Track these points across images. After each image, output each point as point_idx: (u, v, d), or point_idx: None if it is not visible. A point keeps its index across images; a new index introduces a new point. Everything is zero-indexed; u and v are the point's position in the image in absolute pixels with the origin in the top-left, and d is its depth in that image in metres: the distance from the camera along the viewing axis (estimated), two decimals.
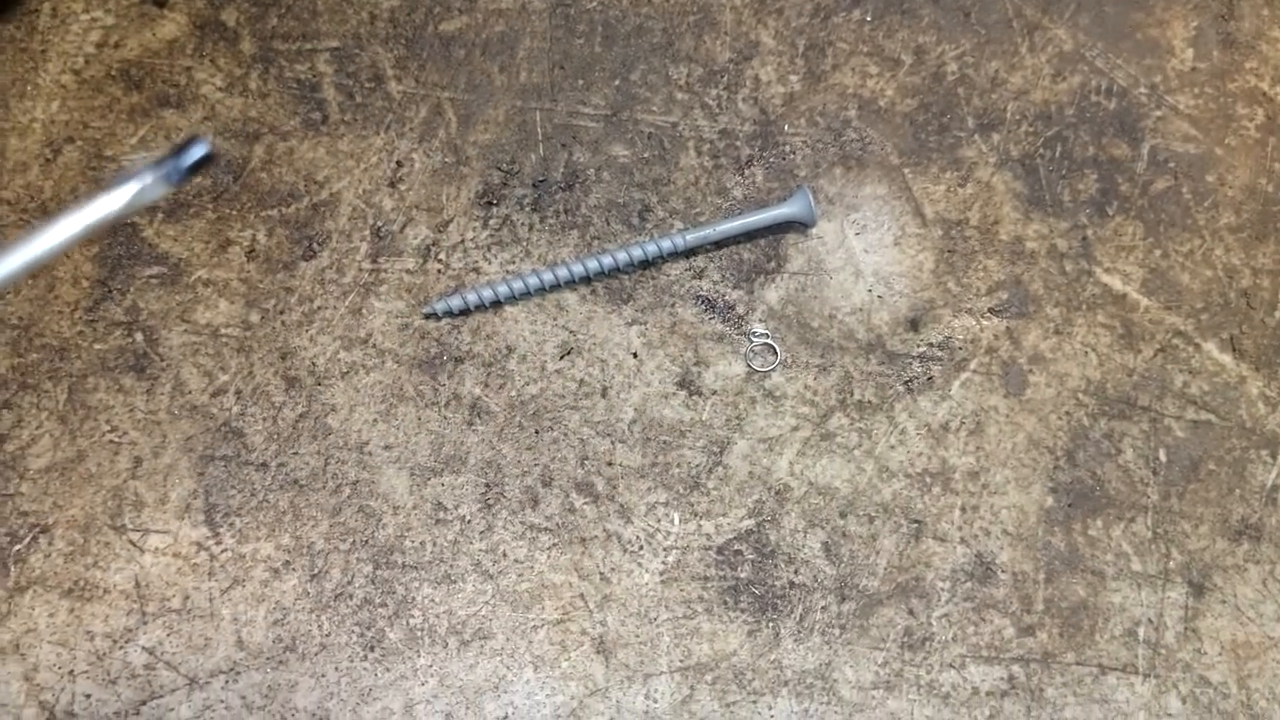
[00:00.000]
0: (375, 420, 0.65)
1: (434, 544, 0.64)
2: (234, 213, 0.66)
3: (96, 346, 0.65)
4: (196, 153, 0.38)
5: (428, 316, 0.67)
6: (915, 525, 0.65)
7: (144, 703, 0.61)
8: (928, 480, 0.66)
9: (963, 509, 0.65)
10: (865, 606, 0.64)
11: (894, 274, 0.67)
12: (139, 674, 0.61)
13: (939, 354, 0.67)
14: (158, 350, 0.65)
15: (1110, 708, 0.62)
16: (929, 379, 0.67)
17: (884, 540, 0.65)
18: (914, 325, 0.68)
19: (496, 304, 0.67)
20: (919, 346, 0.68)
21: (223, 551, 0.63)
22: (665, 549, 0.64)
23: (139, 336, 0.65)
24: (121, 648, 0.62)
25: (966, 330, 0.68)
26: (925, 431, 0.66)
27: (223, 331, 0.65)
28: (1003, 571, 0.65)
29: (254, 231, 0.66)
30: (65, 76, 0.67)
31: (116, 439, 0.64)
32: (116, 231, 0.66)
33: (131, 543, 0.63)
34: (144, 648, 0.62)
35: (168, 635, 0.62)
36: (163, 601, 0.63)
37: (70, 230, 0.38)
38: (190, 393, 0.64)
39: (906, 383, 0.67)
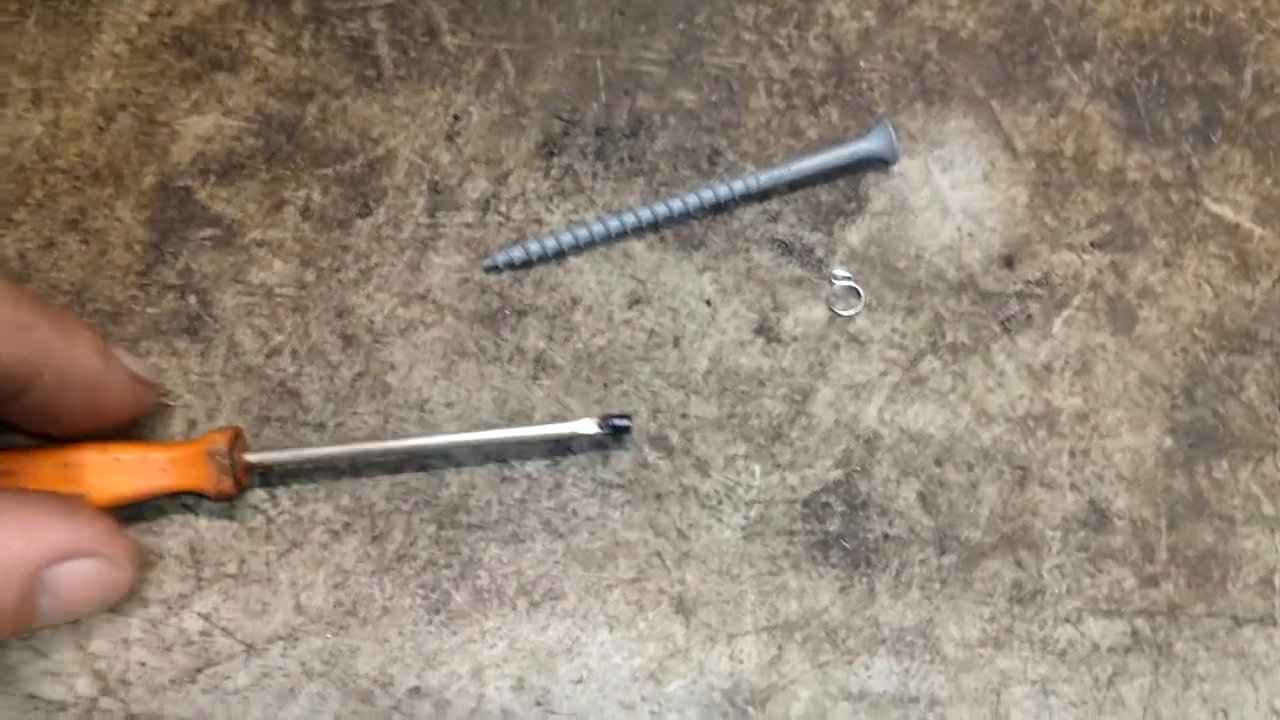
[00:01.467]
0: (436, 377, 0.83)
1: (500, 503, 0.81)
2: (288, 172, 0.87)
3: (149, 310, 0.84)
4: (623, 422, 0.78)
5: (488, 270, 0.86)
6: (1019, 472, 0.81)
7: (200, 670, 0.78)
8: (1031, 424, 0.81)
9: (1071, 453, 0.81)
10: (968, 559, 0.79)
11: (984, 210, 0.85)
12: (194, 640, 0.78)
13: (1038, 291, 0.84)
14: (211, 312, 0.85)
15: (1248, 662, 0.77)
16: (1028, 317, 0.84)
17: (985, 488, 0.80)
18: (1009, 262, 0.85)
19: (560, 254, 0.86)
20: (1015, 284, 0.85)
21: (280, 514, 0.81)
22: (746, 503, 0.80)
23: (192, 299, 0.85)
24: (176, 614, 0.79)
25: (1067, 265, 0.85)
26: (1026, 373, 0.83)
27: (277, 291, 0.85)
28: (1119, 519, 0.80)
29: (308, 190, 0.87)
30: (119, 46, 0.91)
31: (170, 402, 0.82)
32: (169, 195, 0.87)
33: (186, 506, 0.81)
34: (199, 614, 0.79)
35: (224, 601, 0.79)
36: (218, 567, 0.80)
37: (529, 435, 0.79)
38: (245, 354, 0.84)
39: (1003, 322, 0.84)
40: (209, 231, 0.86)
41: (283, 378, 0.82)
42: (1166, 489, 0.81)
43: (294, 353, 0.84)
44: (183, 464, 0.76)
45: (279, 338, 0.83)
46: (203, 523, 0.80)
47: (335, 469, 0.81)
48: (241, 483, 0.77)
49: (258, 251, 0.85)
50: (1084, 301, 0.84)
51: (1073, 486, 0.80)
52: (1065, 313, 0.84)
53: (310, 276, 0.85)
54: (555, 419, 0.81)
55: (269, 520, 0.80)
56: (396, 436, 0.81)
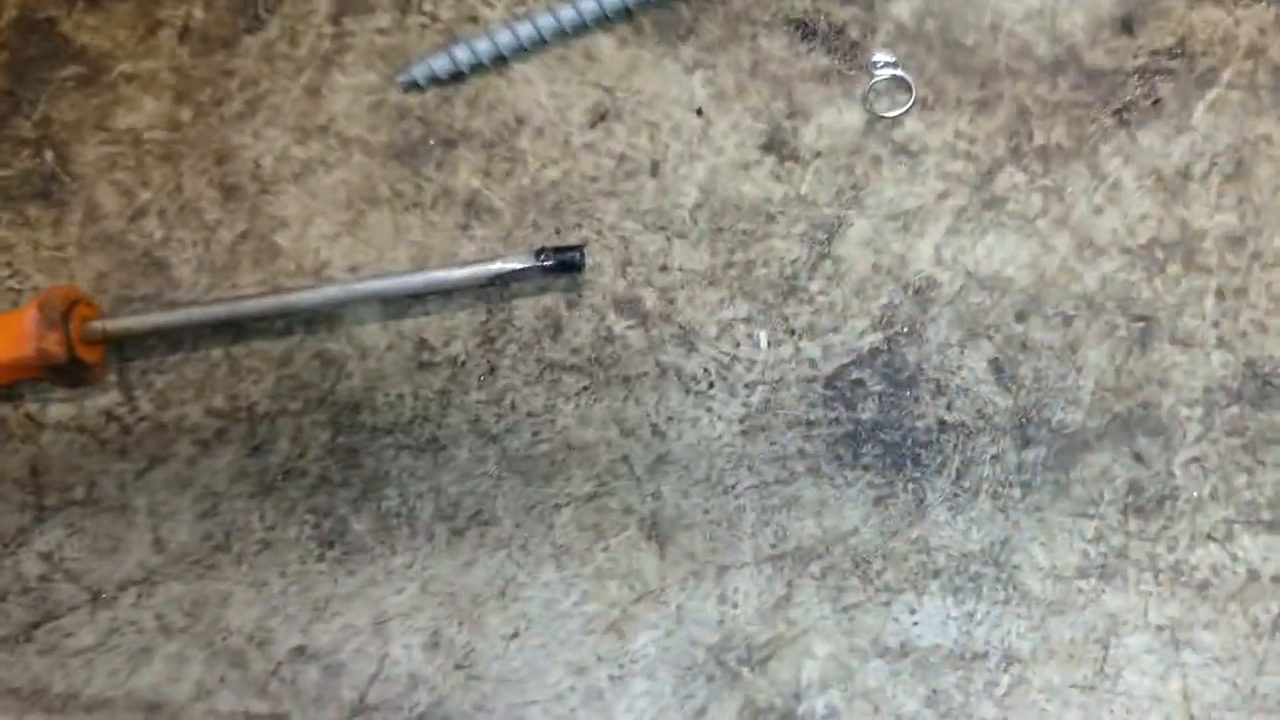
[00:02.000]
0: (338, 234, 0.73)
1: (415, 397, 0.70)
2: None
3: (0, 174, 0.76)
4: (568, 260, 0.68)
5: (407, 87, 0.74)
6: (1141, 324, 0.66)
7: (36, 625, 0.70)
8: (1159, 255, 0.67)
9: (1219, 294, 0.66)
10: (1063, 453, 0.65)
11: None
12: (32, 588, 0.71)
13: (1169, 64, 0.69)
14: (69, 169, 0.76)
15: None
16: (1155, 102, 0.69)
17: (1090, 351, 0.66)
18: (1126, 26, 0.70)
19: (500, 61, 0.73)
20: (1137, 56, 0.69)
21: (139, 422, 0.72)
22: (747, 385, 0.68)
23: (49, 155, 0.76)
24: (12, 554, 0.71)
25: (1212, 25, 0.69)
26: (1153, 181, 0.68)
27: (146, 137, 0.76)
28: None
29: (189, 6, 0.77)
30: None
31: (17, 285, 0.75)
32: (30, 30, 0.78)
33: (28, 416, 0.73)
34: (40, 553, 0.71)
35: (69, 536, 0.71)
36: (63, 492, 0.72)
37: (443, 279, 0.69)
38: (105, 218, 0.75)
39: (1118, 111, 0.69)
40: (72, 69, 0.78)
41: (148, 245, 0.74)
42: None
43: (162, 213, 0.75)
44: (4, 330, 0.69)
45: (145, 195, 0.75)
46: (47, 436, 0.72)
47: (208, 360, 0.72)
48: (82, 359, 0.70)
49: (126, 89, 0.77)
50: (1239, 75, 0.68)
51: (1221, 343, 0.65)
52: (1212, 93, 0.69)
53: (186, 115, 0.76)
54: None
55: (125, 430, 0.71)
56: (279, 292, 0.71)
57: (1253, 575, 0.61)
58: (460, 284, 0.68)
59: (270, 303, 0.70)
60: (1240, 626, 0.62)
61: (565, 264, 0.67)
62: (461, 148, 0.73)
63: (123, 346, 0.71)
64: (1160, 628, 0.62)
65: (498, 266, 0.68)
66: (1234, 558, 0.62)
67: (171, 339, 0.71)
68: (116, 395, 0.72)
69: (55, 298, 0.69)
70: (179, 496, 0.70)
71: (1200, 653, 0.62)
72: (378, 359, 0.70)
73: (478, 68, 0.74)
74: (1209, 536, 0.62)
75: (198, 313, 0.70)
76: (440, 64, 0.73)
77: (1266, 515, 0.62)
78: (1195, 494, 0.63)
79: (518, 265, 0.68)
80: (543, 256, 0.67)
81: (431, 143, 0.73)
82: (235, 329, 0.71)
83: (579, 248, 0.68)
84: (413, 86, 0.74)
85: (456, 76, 0.74)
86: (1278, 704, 0.60)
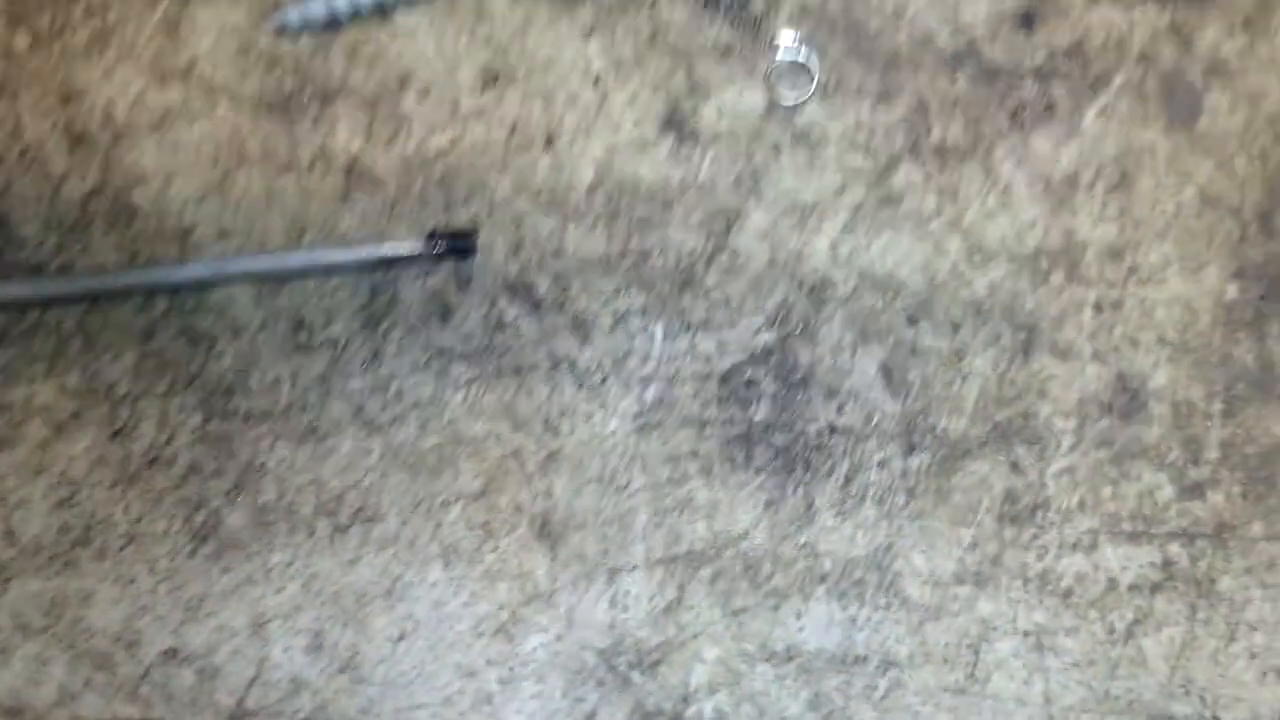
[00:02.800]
0: (203, 196, 0.71)
1: (293, 381, 0.70)
2: None
3: None
4: (461, 247, 0.67)
5: (279, 31, 0.72)
6: (1024, 334, 0.70)
7: None
8: (1044, 264, 0.71)
9: (1098, 307, 0.70)
10: (946, 460, 0.69)
11: None
12: None
13: (1065, 65, 0.72)
14: None
15: None
16: (1048, 106, 0.72)
17: (976, 359, 0.70)
18: (1026, 21, 0.72)
19: (381, 9, 0.73)
20: (1035, 55, 0.72)
21: None
22: (642, 380, 0.70)
23: None
24: None
25: (1108, 26, 0.72)
26: (1042, 188, 0.71)
27: None
28: (1158, 401, 0.70)
29: None
30: None
31: None
32: None
33: None
34: None
35: None
36: None
37: (324, 260, 0.67)
38: None
39: (1014, 112, 0.72)
40: None
41: None
42: (1225, 359, 0.70)
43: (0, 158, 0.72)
44: None
45: None
46: None
47: (60, 332, 0.70)
48: None
49: None
50: (1129, 81, 0.71)
51: (1096, 355, 0.70)
52: (1102, 98, 0.71)
53: (22, 43, 0.73)
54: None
55: None
56: (139, 268, 0.71)
57: (1111, 584, 0.69)
58: (343, 266, 0.67)
59: (133, 278, 0.69)
60: (1098, 633, 0.70)
61: (458, 250, 0.69)
62: (339, 104, 0.74)
63: None
64: (1027, 633, 0.69)
65: (386, 250, 0.70)
66: (1096, 567, 0.70)
67: (14, 306, 0.67)
68: None
69: None
70: (30, 484, 0.70)
71: (1061, 658, 0.70)
72: (251, 338, 0.72)
73: (357, 16, 0.73)
74: (1075, 546, 0.70)
75: (51, 286, 0.69)
76: (314, 8, 0.72)
77: (1127, 526, 0.69)
78: (1065, 504, 0.70)
79: (406, 251, 0.69)
80: (434, 243, 0.69)
81: (307, 97, 0.74)
82: (90, 301, 0.67)
83: (472, 233, 0.70)
84: (284, 30, 0.72)
85: (333, 24, 0.74)
86: (1128, 705, 0.68)
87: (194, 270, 0.68)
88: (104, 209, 0.70)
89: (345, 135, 0.71)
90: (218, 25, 0.71)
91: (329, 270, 0.69)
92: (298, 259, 0.68)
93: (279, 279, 0.70)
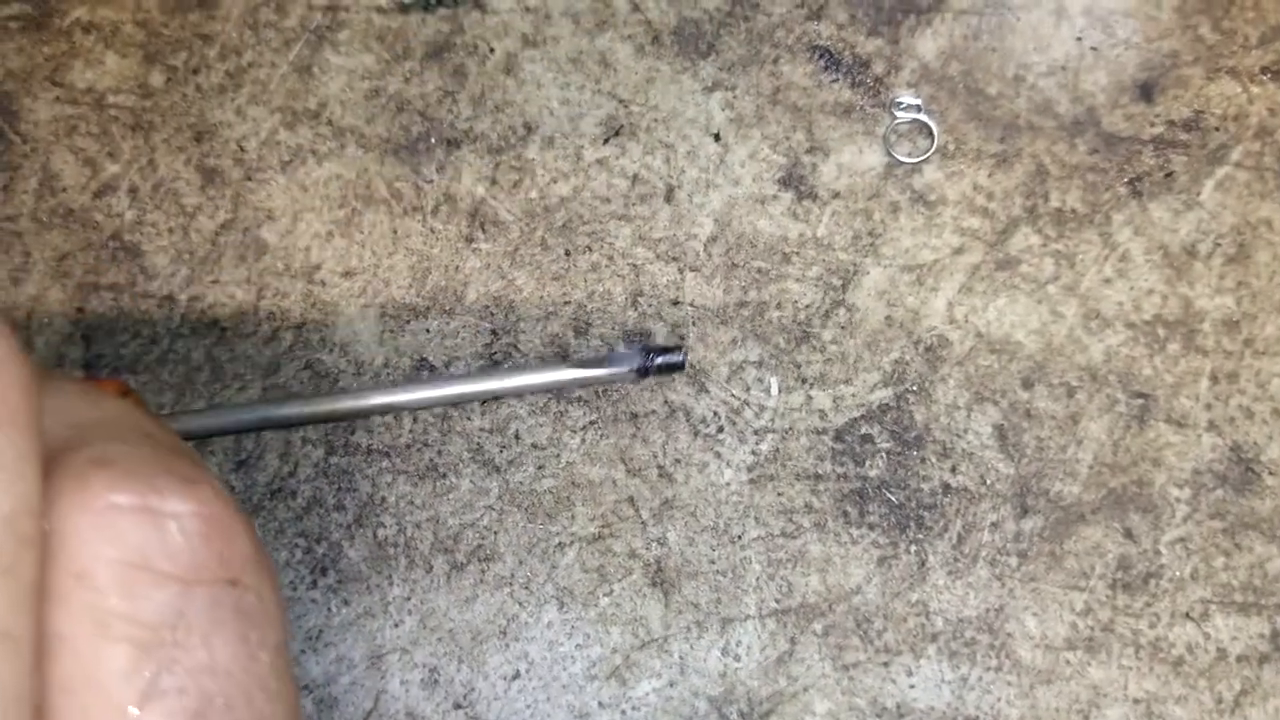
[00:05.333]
0: (330, 233, 0.70)
1: (414, 420, 0.68)
2: None
3: None
4: (673, 359, 0.65)
5: (405, 8, 0.71)
6: (1139, 401, 0.67)
7: None
8: (1161, 333, 0.68)
9: (1214, 377, 0.68)
10: (1059, 524, 0.67)
11: (1116, 13, 0.70)
12: None
13: (1184, 137, 0.69)
14: (18, 128, 0.70)
15: None
16: (1167, 175, 0.69)
17: (1090, 423, 0.67)
18: (1146, 92, 0.70)
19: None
20: (1153, 125, 0.70)
21: None
22: (757, 432, 0.68)
23: None
24: None
25: (1228, 100, 0.70)
26: (1160, 257, 0.69)
27: (111, 100, 0.71)
28: (1270, 473, 0.67)
29: None
30: None
31: None
32: None
33: None
34: None
35: None
36: None
37: (535, 381, 0.65)
38: (65, 190, 0.70)
39: (1132, 181, 0.69)
40: (16, 7, 0.70)
41: (117, 227, 0.70)
42: None
43: (134, 190, 0.70)
44: None
45: (113, 168, 0.70)
46: None
47: (188, 363, 0.69)
48: None
49: (83, 40, 0.71)
50: (1248, 154, 0.69)
51: (1211, 426, 0.67)
52: (1221, 171, 0.69)
53: (157, 80, 0.71)
54: (497, 300, 0.69)
55: None
56: (329, 396, 0.69)
57: (1221, 654, 0.65)
58: (559, 385, 0.67)
59: (322, 405, 0.67)
60: (1206, 702, 0.65)
61: (670, 367, 0.66)
62: (465, 149, 0.70)
63: (90, 340, 0.66)
64: (1137, 700, 0.65)
65: (604, 373, 0.66)
66: (1207, 636, 0.65)
67: (147, 335, 0.66)
68: None
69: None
70: None
71: None
72: (374, 375, 0.68)
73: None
74: (1187, 615, 0.65)
75: (245, 415, 0.67)
76: None
77: (1239, 597, 0.65)
78: (1178, 573, 0.66)
79: (625, 370, 0.66)
80: (649, 360, 0.66)
81: (434, 140, 0.69)
82: (218, 330, 0.66)
83: (681, 347, 0.67)
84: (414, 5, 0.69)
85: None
86: None
87: (396, 396, 0.65)
88: (234, 243, 0.68)
89: (470, 180, 0.68)
90: (348, 69, 0.69)
91: (544, 389, 0.66)
92: (514, 380, 0.65)
93: (493, 398, 0.67)
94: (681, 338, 0.68)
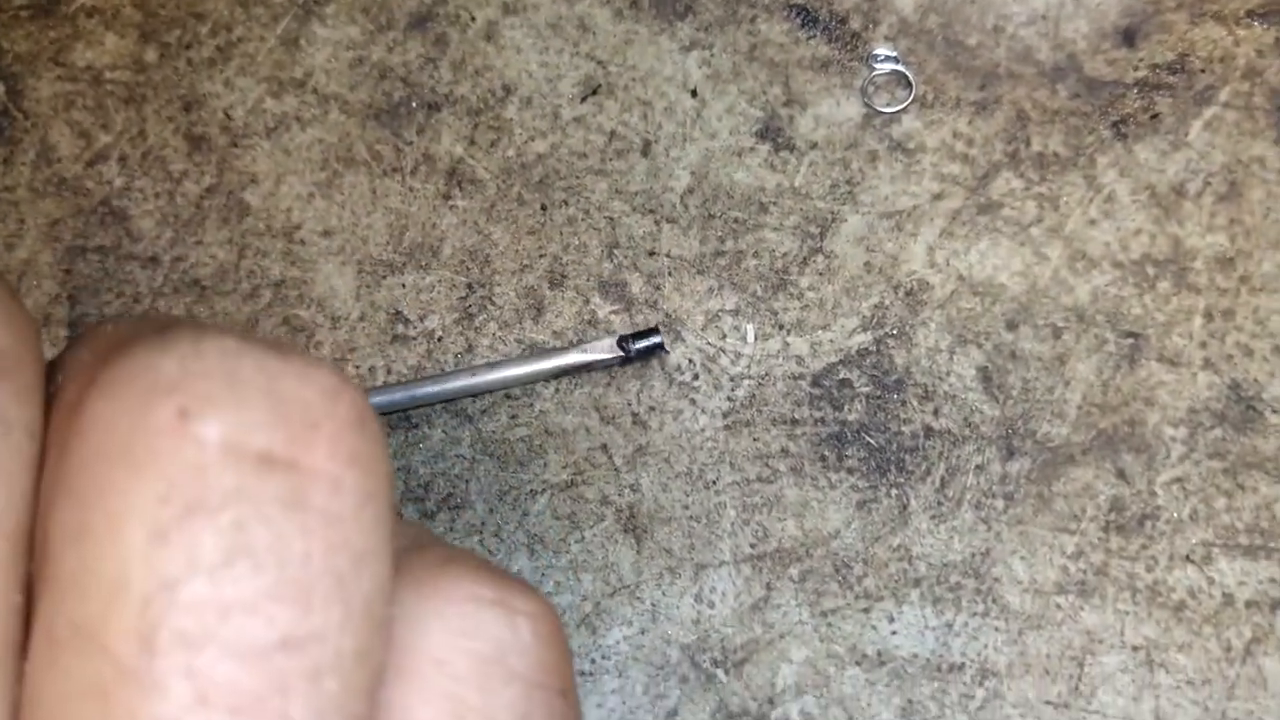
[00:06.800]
0: (312, 195, 0.70)
1: (389, 371, 0.68)
2: None
3: None
4: (651, 340, 0.65)
5: None
6: (1129, 341, 0.65)
7: None
8: (1151, 272, 0.66)
9: (1208, 314, 0.66)
10: (1047, 466, 0.64)
11: None
12: None
13: (1169, 79, 0.68)
14: (21, 105, 0.71)
15: None
16: (1153, 117, 0.68)
17: (1078, 364, 0.65)
18: (1128, 38, 0.69)
19: None
20: (1137, 69, 0.68)
21: None
22: (733, 379, 0.66)
23: (0, 89, 0.71)
24: None
25: (1213, 43, 0.68)
26: (1147, 197, 0.67)
27: (107, 76, 0.71)
28: (1273, 411, 0.64)
29: None
30: None
31: None
32: None
33: None
34: None
35: None
36: None
37: (521, 371, 0.65)
38: (60, 161, 0.70)
39: (1116, 124, 0.68)
40: None
41: (107, 194, 0.70)
42: None
43: (124, 159, 0.71)
44: None
45: (105, 139, 0.71)
46: None
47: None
48: None
49: (86, 23, 0.72)
50: (1236, 95, 0.68)
51: (1207, 364, 0.65)
52: (1209, 111, 0.68)
53: (152, 56, 0.72)
54: (472, 254, 0.69)
55: None
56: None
57: (1228, 599, 0.61)
58: (541, 374, 0.66)
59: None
60: (1213, 650, 0.61)
61: (651, 350, 0.66)
62: (445, 112, 0.70)
63: (75, 300, 0.66)
64: (1136, 648, 0.61)
65: (574, 360, 0.66)
66: (1210, 581, 0.62)
67: (130, 294, 0.67)
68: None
69: None
70: None
71: (1174, 674, 0.61)
72: (350, 329, 0.67)
73: None
74: (1187, 558, 0.62)
75: None
76: None
77: (1244, 540, 0.61)
78: (1175, 515, 0.63)
79: (598, 356, 0.66)
80: (626, 346, 0.66)
81: (414, 105, 0.70)
82: (199, 289, 0.67)
83: (658, 330, 0.66)
84: None
85: None
86: None
87: (379, 399, 0.65)
88: (218, 206, 0.68)
89: (449, 141, 0.69)
90: (334, 40, 0.70)
91: (525, 380, 0.66)
92: (495, 375, 0.65)
93: (478, 393, 0.67)
94: (660, 325, 0.67)
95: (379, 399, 0.64)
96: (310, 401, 0.28)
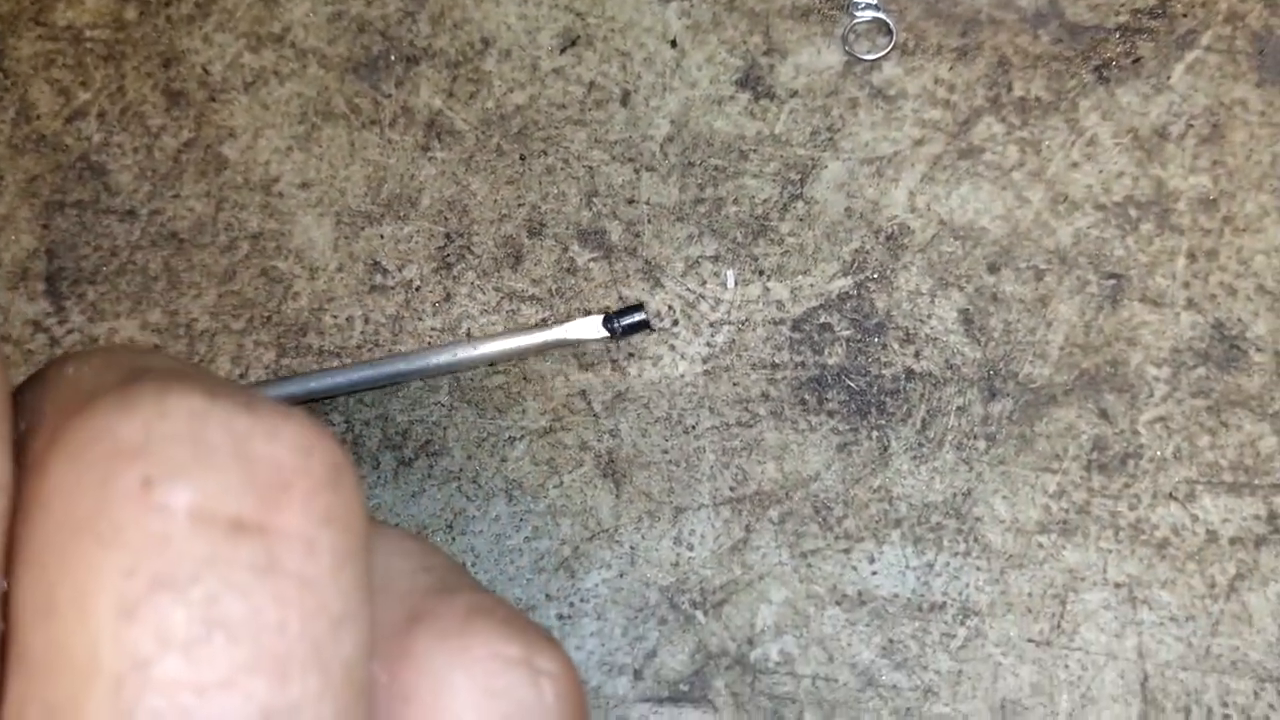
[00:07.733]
0: (289, 148, 0.70)
1: (366, 321, 0.68)
2: None
3: None
4: (636, 317, 0.64)
5: None
6: (1112, 282, 0.65)
7: None
8: (1133, 214, 0.66)
9: (1191, 255, 0.65)
10: (1029, 406, 0.64)
11: None
12: None
13: (1150, 23, 0.68)
14: (2, 65, 0.71)
15: None
16: (1135, 60, 0.67)
17: (1060, 305, 0.65)
18: None
19: None
20: (1119, 13, 0.68)
21: (68, 334, 0.69)
22: (712, 325, 0.66)
23: None
24: None
25: None
26: (1130, 140, 0.67)
27: (88, 35, 0.72)
28: (1258, 350, 0.64)
29: None
30: None
31: None
32: None
33: None
34: None
35: None
36: None
37: (505, 346, 0.65)
38: (39, 118, 0.71)
39: (1098, 68, 0.67)
40: None
41: (85, 149, 0.70)
42: None
43: (102, 115, 0.72)
44: None
45: (84, 96, 0.71)
46: None
47: (146, 274, 0.69)
48: None
49: None
50: (1218, 38, 0.67)
51: (1190, 304, 0.64)
52: (1191, 55, 0.67)
53: (131, 14, 0.72)
54: (451, 205, 0.68)
55: (54, 342, 0.68)
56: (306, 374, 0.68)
57: (1212, 536, 0.61)
58: (526, 350, 0.66)
59: (297, 385, 0.66)
60: (1197, 586, 0.61)
61: (637, 326, 0.66)
62: (424, 65, 0.70)
63: (53, 254, 0.67)
64: (1118, 585, 0.61)
65: (559, 336, 0.66)
66: (1194, 518, 0.61)
67: (107, 248, 0.67)
68: (45, 304, 0.68)
69: None
70: None
71: (1157, 611, 0.61)
72: (328, 279, 0.67)
73: None
74: (1170, 496, 0.61)
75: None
76: None
77: (1228, 477, 0.61)
78: (1159, 453, 0.62)
79: (584, 335, 0.65)
80: (612, 325, 0.65)
81: (393, 58, 0.70)
82: (176, 241, 0.67)
83: (642, 306, 0.66)
84: None
85: None
86: (1231, 664, 0.59)
87: (363, 373, 0.65)
88: (195, 160, 0.68)
89: (428, 93, 0.68)
90: None
91: (513, 355, 0.66)
92: (484, 349, 0.65)
93: (466, 368, 0.66)
94: (643, 302, 0.67)
95: (362, 374, 0.64)
96: (281, 460, 0.27)
